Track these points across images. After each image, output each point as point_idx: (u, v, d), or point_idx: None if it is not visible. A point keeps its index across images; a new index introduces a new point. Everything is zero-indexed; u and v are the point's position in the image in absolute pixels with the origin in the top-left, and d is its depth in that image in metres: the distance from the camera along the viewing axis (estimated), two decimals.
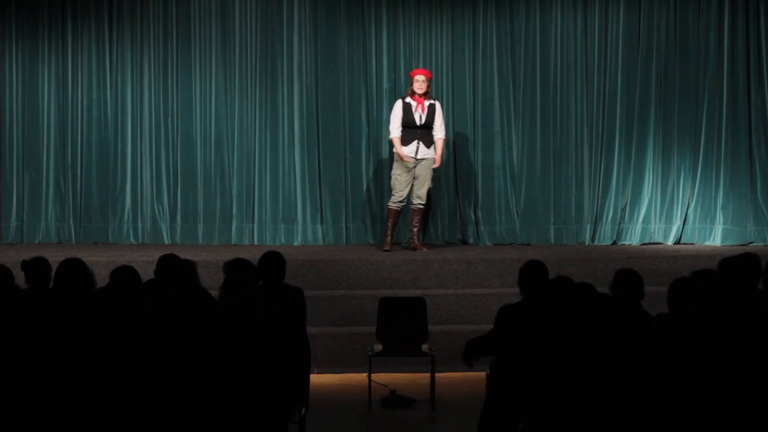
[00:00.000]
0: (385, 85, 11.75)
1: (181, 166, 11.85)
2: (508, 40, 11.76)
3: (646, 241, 11.69)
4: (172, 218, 11.84)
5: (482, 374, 6.43)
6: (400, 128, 10.75)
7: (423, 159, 10.77)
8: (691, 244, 11.59)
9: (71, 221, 11.87)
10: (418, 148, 10.75)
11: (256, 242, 11.70)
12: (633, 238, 11.71)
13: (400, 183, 10.78)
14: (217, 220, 11.81)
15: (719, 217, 11.58)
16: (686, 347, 5.39)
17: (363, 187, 11.65)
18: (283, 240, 11.69)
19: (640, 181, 11.75)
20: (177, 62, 11.82)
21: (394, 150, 10.87)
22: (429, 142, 10.78)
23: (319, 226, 11.76)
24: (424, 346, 8.32)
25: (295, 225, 11.76)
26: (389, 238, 10.87)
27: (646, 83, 11.69)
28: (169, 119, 11.85)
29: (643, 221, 11.72)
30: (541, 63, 11.75)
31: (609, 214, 11.75)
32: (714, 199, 11.63)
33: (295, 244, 11.65)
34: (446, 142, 11.11)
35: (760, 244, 11.33)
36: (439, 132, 10.82)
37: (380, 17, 11.80)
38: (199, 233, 11.81)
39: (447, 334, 9.40)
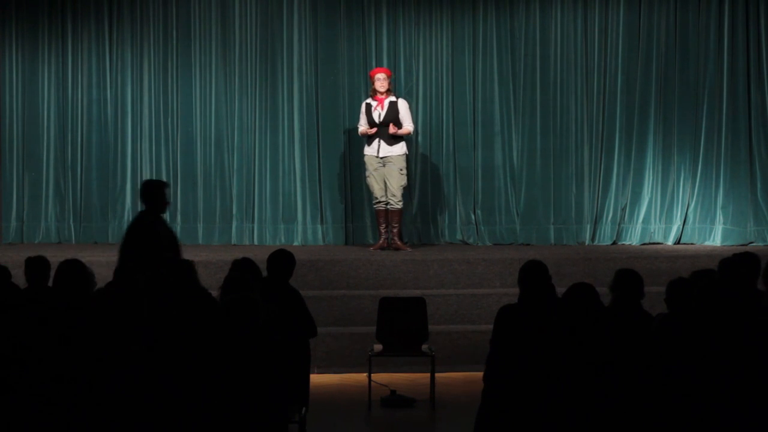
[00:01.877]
0: None
1: (181, 166, 11.85)
2: (508, 40, 11.76)
3: (646, 241, 11.69)
4: (172, 218, 11.82)
5: (482, 374, 6.41)
6: (366, 126, 10.84)
7: (386, 157, 10.75)
8: (691, 244, 11.58)
9: (71, 221, 11.88)
10: (379, 146, 10.76)
11: (256, 242, 11.71)
12: (633, 238, 11.71)
13: (371, 183, 10.89)
14: (217, 220, 11.82)
15: (719, 217, 11.58)
16: (686, 347, 5.39)
17: (363, 187, 11.64)
18: (283, 240, 11.69)
19: (640, 181, 11.75)
20: (177, 62, 11.83)
21: (364, 152, 10.89)
22: (391, 141, 10.76)
23: (319, 226, 11.76)
24: (424, 346, 8.31)
25: (295, 225, 11.77)
26: (381, 238, 10.91)
27: (646, 83, 11.69)
28: (169, 119, 11.85)
29: (643, 221, 11.72)
30: (541, 63, 11.75)
31: (609, 214, 11.75)
32: (714, 199, 11.63)
33: (295, 244, 11.64)
34: (412, 135, 11.10)
35: (760, 244, 11.32)
36: (407, 125, 10.78)
37: (380, 17, 11.80)
38: (199, 233, 11.81)
39: (447, 334, 9.40)
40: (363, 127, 10.88)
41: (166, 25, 11.85)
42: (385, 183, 10.82)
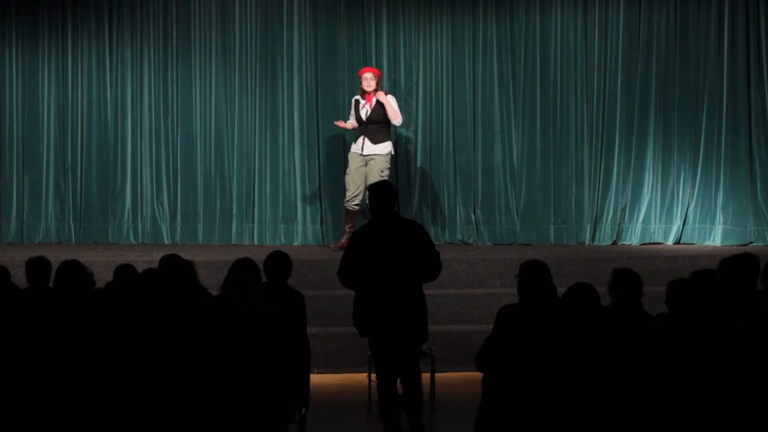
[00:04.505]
0: (385, 85, 11.74)
1: (181, 166, 11.86)
2: (508, 40, 11.77)
3: (646, 241, 11.69)
4: (172, 218, 11.84)
5: (482, 374, 6.43)
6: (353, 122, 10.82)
7: (370, 156, 10.65)
8: (691, 244, 11.59)
9: (71, 221, 11.88)
10: (363, 144, 10.68)
11: (256, 242, 11.71)
12: (633, 238, 11.71)
13: (350, 181, 10.75)
14: (217, 220, 11.82)
15: (719, 217, 11.59)
16: (686, 347, 5.39)
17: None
18: (283, 240, 11.69)
19: (640, 181, 11.75)
20: (177, 62, 11.83)
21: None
22: (376, 139, 10.65)
23: (319, 226, 11.76)
24: (424, 346, 8.31)
25: (295, 225, 11.77)
26: (344, 238, 10.76)
27: (646, 83, 11.69)
28: (169, 119, 11.86)
29: (643, 221, 11.72)
30: (541, 63, 11.75)
31: (609, 214, 11.75)
32: (714, 199, 11.63)
33: (295, 244, 11.65)
34: (398, 128, 11.16)
35: (760, 244, 11.33)
36: (394, 120, 10.71)
37: (380, 17, 11.80)
38: (199, 233, 11.81)
39: (447, 334, 9.40)
40: (347, 122, 10.82)
41: (166, 25, 11.85)
42: (365, 183, 10.72)
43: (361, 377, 8.75)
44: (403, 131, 11.75)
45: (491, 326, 6.17)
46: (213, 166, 11.84)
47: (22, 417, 5.19)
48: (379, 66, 11.71)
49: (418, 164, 11.76)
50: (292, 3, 11.78)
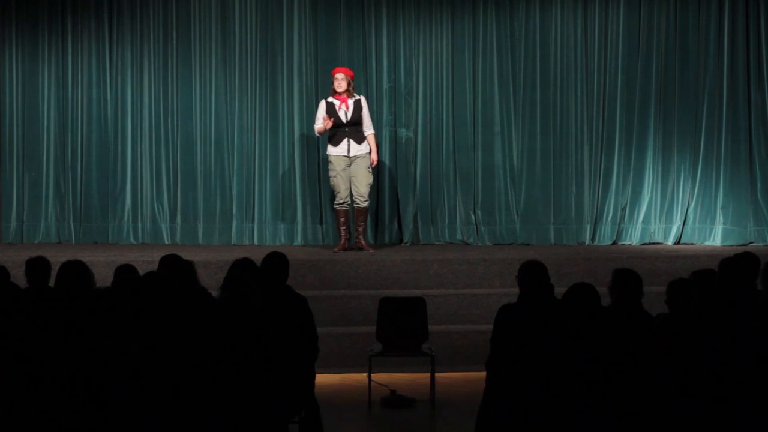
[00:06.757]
0: (385, 85, 11.75)
1: (181, 166, 11.86)
2: (508, 40, 11.77)
3: (646, 241, 11.69)
4: (172, 218, 11.85)
5: (482, 374, 6.44)
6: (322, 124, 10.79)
7: (356, 156, 10.73)
8: (691, 244, 11.59)
9: (71, 221, 11.88)
10: (349, 146, 10.72)
11: (256, 242, 11.71)
12: (633, 238, 11.71)
13: (338, 183, 10.76)
14: (217, 220, 11.82)
15: (719, 217, 11.59)
16: (686, 347, 5.39)
17: None
18: (283, 240, 11.69)
19: (640, 181, 11.75)
20: (177, 62, 11.83)
21: (327, 152, 10.82)
22: (359, 139, 10.73)
23: (319, 226, 11.76)
24: (424, 346, 8.32)
25: (295, 225, 11.77)
26: (342, 239, 10.86)
27: (646, 83, 11.69)
28: (169, 119, 11.86)
29: (643, 221, 11.72)
30: (541, 63, 11.75)
31: (609, 214, 11.75)
32: (714, 199, 11.63)
33: (295, 244, 11.65)
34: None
35: (760, 244, 11.33)
36: (368, 129, 10.80)
37: (380, 17, 11.80)
38: (199, 233, 11.82)
39: (447, 334, 9.40)
40: (321, 124, 10.80)
41: (166, 25, 11.85)
42: (350, 183, 10.76)
43: (361, 377, 8.75)
44: (404, 131, 11.76)
45: (491, 326, 6.18)
46: (213, 166, 11.84)
47: (23, 418, 5.19)
48: (378, 66, 11.72)
49: (418, 164, 11.76)
50: (292, 3, 11.78)
